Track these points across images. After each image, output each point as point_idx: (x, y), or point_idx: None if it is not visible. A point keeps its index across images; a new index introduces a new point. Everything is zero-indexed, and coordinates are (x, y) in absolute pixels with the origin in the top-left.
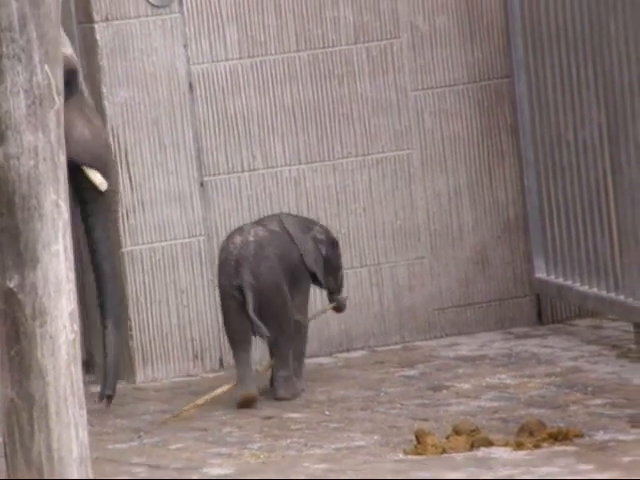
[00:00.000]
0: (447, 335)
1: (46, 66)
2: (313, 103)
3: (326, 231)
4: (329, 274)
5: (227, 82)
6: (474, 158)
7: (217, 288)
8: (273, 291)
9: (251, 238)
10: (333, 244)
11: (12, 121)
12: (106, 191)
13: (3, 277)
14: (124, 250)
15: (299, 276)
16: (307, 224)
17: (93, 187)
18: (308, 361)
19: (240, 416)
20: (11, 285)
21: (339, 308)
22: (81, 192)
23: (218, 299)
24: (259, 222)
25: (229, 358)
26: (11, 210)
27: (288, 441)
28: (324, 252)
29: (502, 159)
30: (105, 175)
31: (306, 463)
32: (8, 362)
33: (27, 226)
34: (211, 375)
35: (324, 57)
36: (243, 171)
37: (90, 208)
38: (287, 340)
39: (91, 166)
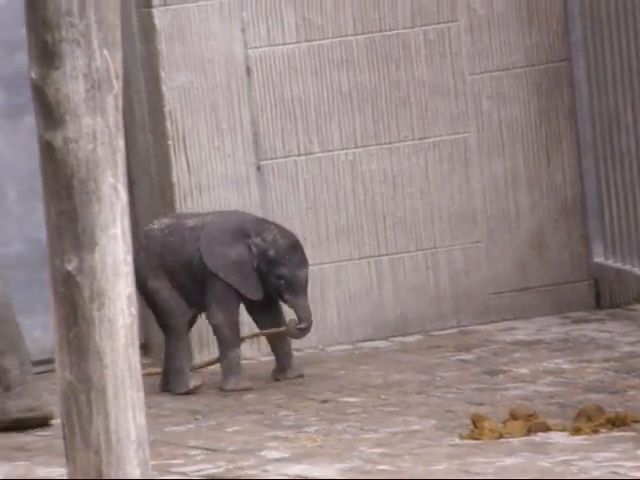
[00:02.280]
0: (504, 319)
1: (105, 51)
2: (370, 87)
3: (275, 238)
4: (275, 285)
5: (284, 66)
6: (531, 141)
7: None
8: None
9: (152, 226)
10: (281, 252)
11: (71, 105)
12: None
13: (61, 260)
14: None
15: (204, 278)
16: (253, 226)
17: None
18: (364, 345)
19: (296, 399)
20: (69, 268)
21: (291, 333)
22: None
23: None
24: (207, 213)
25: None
26: (70, 194)
27: (344, 425)
28: (257, 260)
29: (560, 142)
30: None
31: (362, 447)
32: (66, 345)
33: (85, 210)
34: (267, 359)
35: (381, 41)
36: (300, 155)
37: None
38: (167, 339)
39: None
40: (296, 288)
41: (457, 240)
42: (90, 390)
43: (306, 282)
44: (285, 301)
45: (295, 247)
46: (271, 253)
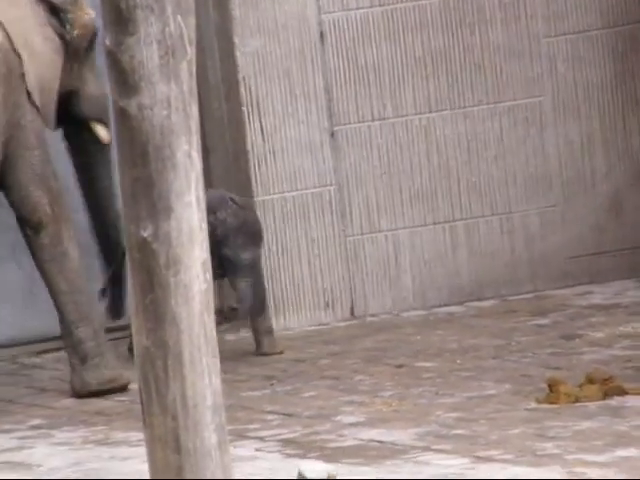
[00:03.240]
0: (579, 283)
1: (179, 17)
2: (444, 51)
3: (225, 218)
4: (224, 259)
5: (358, 31)
6: (607, 104)
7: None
8: None
9: None
10: (226, 232)
11: (145, 72)
12: (106, 144)
13: (137, 227)
14: (256, 200)
15: None
16: (214, 204)
17: (98, 140)
18: (439, 310)
19: (371, 364)
20: (145, 235)
21: (227, 315)
22: (87, 146)
23: (349, 248)
24: None
25: (361, 306)
26: (145, 161)
27: (419, 389)
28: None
29: (636, 105)
30: (109, 128)
31: (438, 412)
32: (143, 311)
33: (160, 176)
34: (342, 324)
35: (455, 4)
36: (373, 120)
37: (96, 160)
38: None
39: (98, 121)
40: (237, 270)
41: (532, 204)
42: (166, 355)
43: (250, 265)
44: (230, 281)
45: (241, 229)
46: (218, 232)
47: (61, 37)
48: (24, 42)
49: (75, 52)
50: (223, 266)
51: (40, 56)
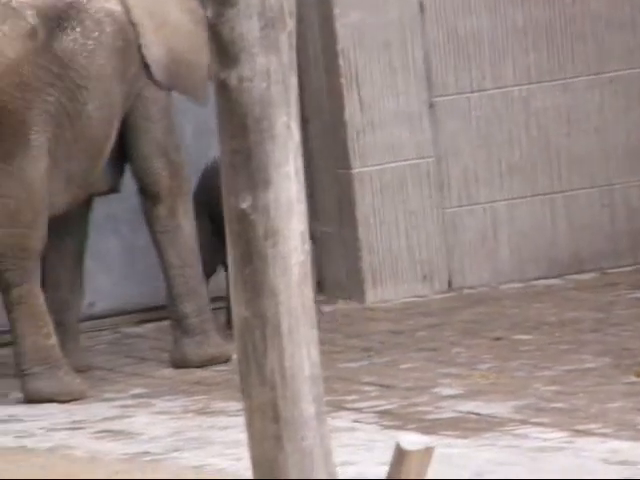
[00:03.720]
0: None
1: None
2: (544, 22)
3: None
4: None
5: (458, 2)
6: None
7: None
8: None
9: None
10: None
11: (245, 44)
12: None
13: (236, 198)
14: (353, 172)
15: None
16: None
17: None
18: (537, 282)
19: (469, 337)
20: (244, 206)
21: None
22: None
23: (447, 220)
24: None
25: (459, 279)
26: (244, 132)
27: (517, 362)
28: None
29: None
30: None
31: (536, 384)
32: (241, 282)
33: (259, 148)
34: (440, 296)
35: None
36: (472, 92)
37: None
38: None
39: (181, 91)
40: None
41: (634, 176)
42: (265, 326)
43: None
44: None
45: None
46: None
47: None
48: (149, 14)
49: None
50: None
51: (173, 28)
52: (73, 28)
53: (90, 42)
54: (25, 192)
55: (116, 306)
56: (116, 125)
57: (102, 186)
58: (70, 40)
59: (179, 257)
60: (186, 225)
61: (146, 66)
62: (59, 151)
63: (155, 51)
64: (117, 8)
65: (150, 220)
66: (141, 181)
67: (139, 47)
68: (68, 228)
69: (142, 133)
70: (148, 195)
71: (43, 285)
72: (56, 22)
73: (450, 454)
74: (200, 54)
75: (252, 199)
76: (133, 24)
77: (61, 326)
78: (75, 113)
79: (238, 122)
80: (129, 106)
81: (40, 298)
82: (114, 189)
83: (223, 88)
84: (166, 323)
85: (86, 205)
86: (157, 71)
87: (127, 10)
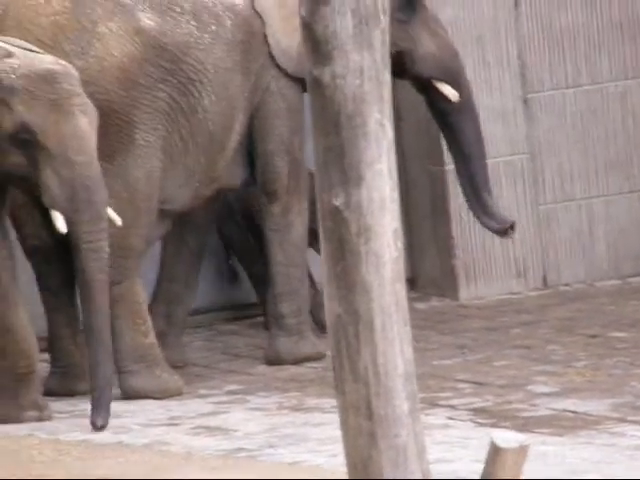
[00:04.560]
0: None
1: None
2: None
3: None
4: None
5: None
6: None
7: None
8: None
9: None
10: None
11: (338, 41)
12: (460, 101)
13: (329, 195)
14: (446, 168)
15: None
16: None
17: (446, 99)
18: (634, 279)
19: (564, 334)
20: (337, 203)
21: None
22: (435, 105)
23: (542, 216)
24: None
25: (554, 276)
26: (337, 129)
27: (614, 360)
28: None
29: None
30: (456, 86)
31: (633, 382)
32: (334, 279)
33: (352, 145)
34: (534, 293)
35: None
36: (568, 87)
37: (449, 120)
38: None
39: (440, 79)
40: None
41: None
42: (358, 323)
43: None
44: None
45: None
46: None
47: None
48: (277, 3)
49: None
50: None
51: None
52: (188, 22)
53: (207, 35)
54: (127, 192)
55: (211, 303)
56: (240, 119)
57: (230, 180)
58: (184, 34)
59: (286, 256)
60: (298, 225)
61: (271, 56)
62: (175, 147)
63: (284, 41)
64: (237, 1)
65: (264, 217)
66: (261, 177)
67: (264, 37)
68: (189, 223)
69: (269, 129)
70: (266, 191)
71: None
72: (169, 17)
73: (545, 452)
74: None
75: (345, 196)
76: (259, 15)
77: (168, 318)
78: (190, 108)
79: (331, 119)
80: (257, 101)
81: (140, 296)
82: (246, 183)
83: (317, 85)
84: (260, 320)
85: (212, 200)
86: (285, 61)
87: (252, 1)
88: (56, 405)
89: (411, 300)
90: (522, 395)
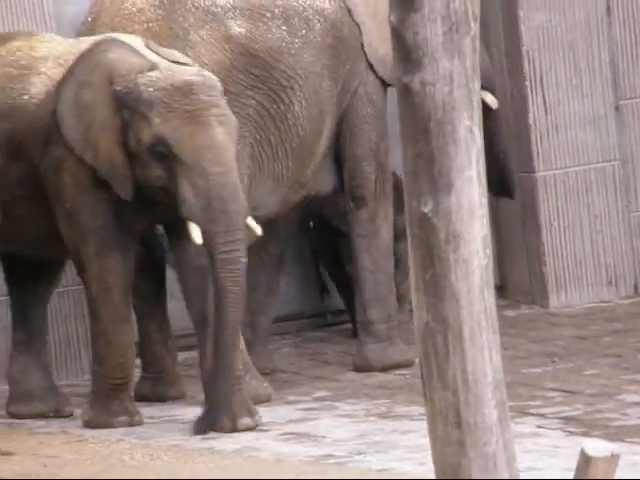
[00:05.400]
0: None
1: None
2: None
3: None
4: None
5: None
6: None
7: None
8: None
9: None
10: None
11: (429, 48)
12: (497, 108)
13: (418, 202)
14: (537, 175)
15: None
16: None
17: (486, 106)
18: None
19: None
20: (426, 210)
21: None
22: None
23: (633, 224)
24: None
25: None
26: (426, 136)
27: None
28: None
29: None
30: (495, 94)
31: None
32: (423, 286)
33: (441, 152)
34: (626, 301)
35: None
36: None
37: (487, 127)
38: None
39: (482, 87)
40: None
41: None
42: (447, 331)
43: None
44: None
45: None
46: None
47: None
48: (372, 12)
49: None
50: None
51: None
52: (279, 27)
53: (297, 40)
54: None
55: (300, 309)
56: (329, 124)
57: (319, 187)
58: (276, 39)
59: (374, 262)
60: (384, 230)
61: (370, 65)
62: (263, 154)
63: (380, 49)
64: (326, 5)
65: (352, 222)
66: (349, 182)
67: (362, 45)
68: (272, 231)
69: (357, 134)
70: (353, 197)
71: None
72: (260, 23)
73: (636, 461)
74: None
75: (434, 203)
76: (356, 24)
77: (253, 328)
78: (280, 115)
79: (421, 126)
80: (345, 105)
81: None
82: (334, 190)
83: (406, 92)
84: (347, 327)
85: (296, 208)
86: (382, 69)
87: (349, 10)
88: (147, 410)
89: (500, 308)
90: (613, 404)
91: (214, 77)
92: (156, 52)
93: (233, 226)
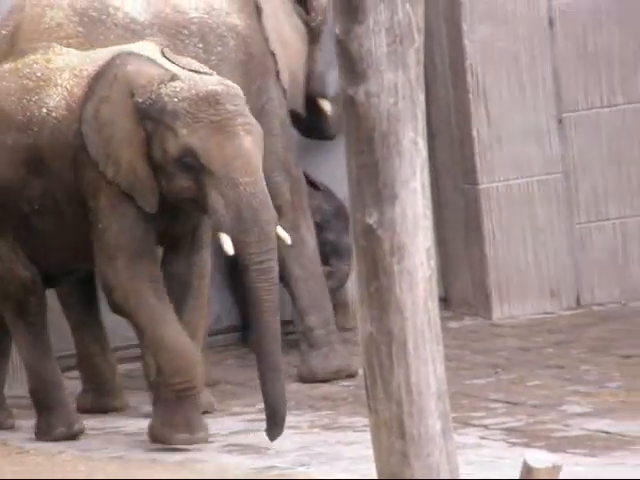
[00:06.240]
0: None
1: (407, 4)
2: None
3: (325, 199)
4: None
5: (587, 16)
6: None
7: None
8: None
9: None
10: (329, 215)
11: (373, 59)
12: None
13: (362, 214)
14: (480, 187)
15: None
16: None
17: (326, 117)
18: None
19: (598, 354)
20: (370, 221)
21: None
22: (316, 123)
23: (576, 236)
24: None
25: (588, 295)
26: (371, 147)
27: None
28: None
29: None
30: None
31: None
32: (368, 298)
33: (386, 163)
34: (568, 313)
35: None
36: (602, 107)
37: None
38: None
39: (323, 96)
40: (341, 254)
41: None
42: (391, 342)
43: (350, 249)
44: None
45: (338, 213)
46: (317, 219)
47: (306, 25)
48: (282, 42)
49: (316, 37)
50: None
51: (291, 48)
52: (195, 45)
53: (213, 57)
54: None
55: (241, 321)
56: None
57: None
58: (193, 56)
59: (303, 269)
60: (309, 238)
61: (284, 91)
62: None
63: (286, 77)
64: (238, 22)
65: None
66: None
67: (277, 74)
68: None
69: (265, 147)
70: None
71: None
72: (177, 40)
73: (578, 472)
74: (302, 70)
75: (378, 214)
76: (271, 54)
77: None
78: None
79: (365, 137)
80: None
81: None
82: None
83: (351, 103)
84: (292, 338)
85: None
86: (286, 87)
87: (265, 38)
88: (89, 422)
89: (444, 319)
90: (555, 415)
91: (236, 86)
92: (173, 61)
93: (265, 235)
